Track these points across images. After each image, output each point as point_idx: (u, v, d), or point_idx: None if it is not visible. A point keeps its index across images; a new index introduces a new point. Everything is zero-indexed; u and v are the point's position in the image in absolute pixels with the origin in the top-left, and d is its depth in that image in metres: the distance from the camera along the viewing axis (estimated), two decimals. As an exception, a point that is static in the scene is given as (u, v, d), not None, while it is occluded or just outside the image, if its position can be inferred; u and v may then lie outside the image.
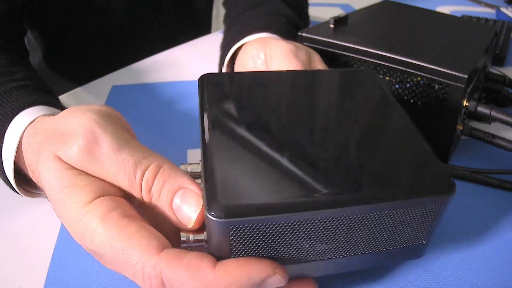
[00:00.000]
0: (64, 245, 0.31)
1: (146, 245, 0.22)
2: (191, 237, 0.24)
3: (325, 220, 0.22)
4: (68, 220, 0.24)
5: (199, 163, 0.27)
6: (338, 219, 0.22)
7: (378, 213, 0.22)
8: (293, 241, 0.22)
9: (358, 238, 0.23)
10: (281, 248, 0.23)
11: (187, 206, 0.24)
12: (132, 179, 0.24)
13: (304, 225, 0.22)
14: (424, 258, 0.30)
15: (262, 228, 0.21)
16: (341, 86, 0.32)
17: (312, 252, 0.23)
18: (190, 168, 0.27)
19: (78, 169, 0.25)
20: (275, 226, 0.21)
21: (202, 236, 0.24)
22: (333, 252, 0.24)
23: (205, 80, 0.30)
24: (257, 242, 0.22)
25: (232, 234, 0.21)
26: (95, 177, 0.25)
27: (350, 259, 0.25)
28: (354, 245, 0.24)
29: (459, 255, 0.31)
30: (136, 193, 0.25)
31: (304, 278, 0.25)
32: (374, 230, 0.23)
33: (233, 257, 0.22)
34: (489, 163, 0.40)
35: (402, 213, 0.23)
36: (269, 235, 0.22)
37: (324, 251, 0.24)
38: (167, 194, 0.24)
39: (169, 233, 0.24)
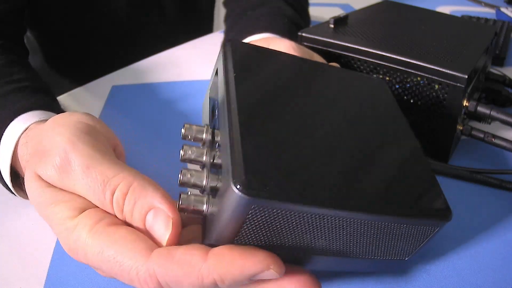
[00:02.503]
0: (64, 245, 0.31)
1: (135, 249, 0.21)
2: (192, 204, 0.22)
3: (334, 220, 0.22)
4: (59, 236, 0.24)
5: (203, 128, 0.26)
6: (347, 222, 0.22)
7: (378, 224, 0.23)
8: (301, 234, 0.22)
9: (355, 242, 0.24)
10: (286, 238, 0.22)
11: (158, 227, 0.23)
12: (102, 199, 0.24)
13: (317, 221, 0.21)
14: (424, 258, 0.30)
15: (279, 216, 0.20)
16: (359, 92, 0.32)
17: (312, 246, 0.23)
18: (194, 133, 0.26)
19: (58, 187, 0.25)
20: (293, 216, 0.21)
21: (203, 207, 0.23)
22: (330, 250, 0.24)
23: (231, 47, 0.28)
24: (267, 228, 0.21)
25: (250, 215, 0.20)
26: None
27: (341, 260, 0.25)
28: (349, 248, 0.24)
29: (459, 255, 0.31)
30: (110, 212, 0.24)
31: (297, 270, 0.24)
32: (371, 238, 0.24)
33: (237, 240, 0.21)
34: (489, 163, 0.40)
35: (399, 228, 0.24)
36: (281, 223, 0.21)
37: (323, 248, 0.24)
38: (139, 215, 0.23)
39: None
